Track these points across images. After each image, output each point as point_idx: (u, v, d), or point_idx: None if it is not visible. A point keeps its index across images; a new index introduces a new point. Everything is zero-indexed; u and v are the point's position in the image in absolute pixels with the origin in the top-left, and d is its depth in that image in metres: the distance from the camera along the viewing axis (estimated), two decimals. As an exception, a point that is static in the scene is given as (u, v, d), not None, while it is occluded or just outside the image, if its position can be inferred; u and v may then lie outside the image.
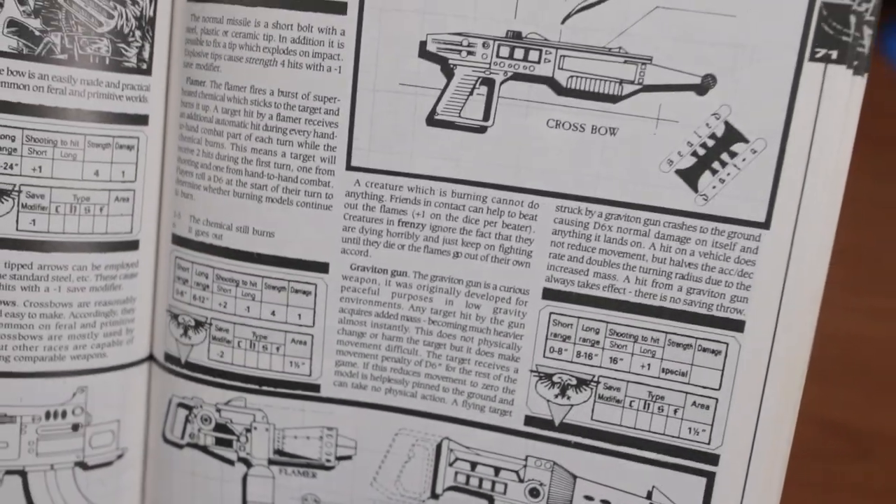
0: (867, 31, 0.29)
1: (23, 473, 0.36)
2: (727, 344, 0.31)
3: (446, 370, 0.34)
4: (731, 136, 0.30)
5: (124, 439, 0.37)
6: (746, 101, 0.30)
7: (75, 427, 0.36)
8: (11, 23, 0.32)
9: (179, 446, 0.36)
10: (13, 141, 0.32)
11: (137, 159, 0.35)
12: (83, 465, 0.37)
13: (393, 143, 0.32)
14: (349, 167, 0.33)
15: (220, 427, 0.36)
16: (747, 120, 0.30)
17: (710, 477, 0.32)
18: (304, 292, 0.34)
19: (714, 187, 0.31)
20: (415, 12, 0.31)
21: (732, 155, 0.30)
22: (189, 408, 0.36)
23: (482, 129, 0.32)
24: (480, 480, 0.34)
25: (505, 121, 0.31)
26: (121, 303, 0.36)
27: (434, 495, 0.35)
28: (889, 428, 0.52)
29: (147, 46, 0.34)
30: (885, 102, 0.56)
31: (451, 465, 0.35)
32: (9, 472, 0.36)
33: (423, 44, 0.31)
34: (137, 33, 0.33)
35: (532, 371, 0.33)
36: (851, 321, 0.55)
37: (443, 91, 0.32)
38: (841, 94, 0.29)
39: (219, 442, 0.36)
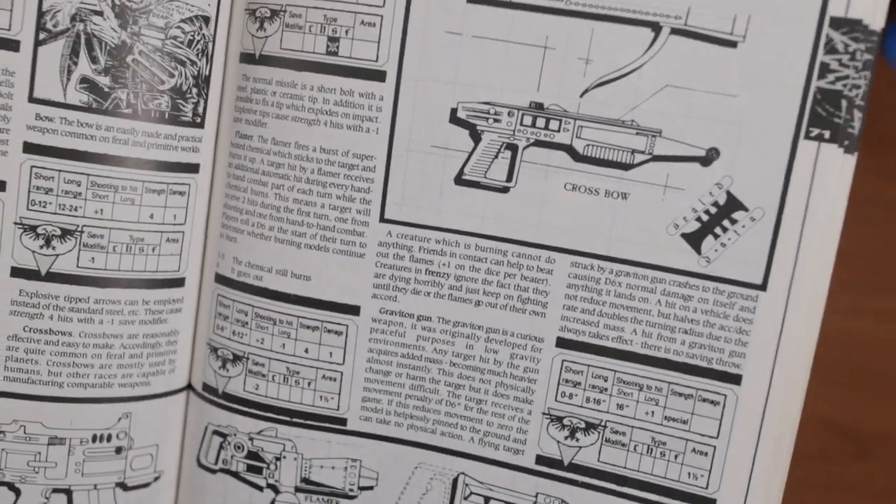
0: (857, 115, 0.32)
1: (68, 492, 0.39)
2: (725, 395, 0.34)
3: (465, 409, 0.37)
4: (733, 204, 0.33)
5: (161, 462, 0.40)
6: (747, 173, 0.33)
7: (118, 450, 0.39)
8: (84, 80, 0.35)
9: (213, 471, 0.39)
10: (79, 186, 0.36)
11: (188, 204, 0.38)
12: (123, 486, 0.39)
13: (423, 199, 0.35)
14: (382, 219, 0.36)
15: (252, 455, 0.39)
16: (747, 190, 0.33)
17: (707, 518, 0.35)
18: (336, 332, 0.37)
19: (716, 250, 0.34)
20: (447, 83, 0.34)
21: (733, 222, 0.33)
22: (224, 435, 0.39)
23: (505, 190, 0.35)
24: (493, 514, 0.37)
25: (526, 183, 0.35)
26: (165, 335, 0.39)
27: (449, 527, 0.38)
28: (890, 429, 0.52)
29: (202, 102, 0.37)
30: (887, 103, 0.56)
31: (465, 498, 0.37)
32: (56, 490, 0.39)
33: (453, 111, 0.35)
34: (194, 90, 0.37)
35: (544, 413, 0.36)
36: (854, 323, 0.55)
37: (470, 153, 0.35)
38: (833, 170, 0.32)
39: (250, 469, 0.39)
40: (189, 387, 0.40)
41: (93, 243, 0.36)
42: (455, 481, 0.37)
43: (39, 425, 0.38)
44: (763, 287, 0.33)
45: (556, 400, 0.36)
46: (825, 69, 0.32)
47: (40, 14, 0.34)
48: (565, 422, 0.36)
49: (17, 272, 0.36)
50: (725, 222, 0.33)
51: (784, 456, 0.34)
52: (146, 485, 0.40)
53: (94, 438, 0.39)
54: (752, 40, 0.32)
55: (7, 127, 0.35)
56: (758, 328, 0.33)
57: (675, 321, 0.34)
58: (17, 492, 0.39)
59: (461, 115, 0.35)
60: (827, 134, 0.32)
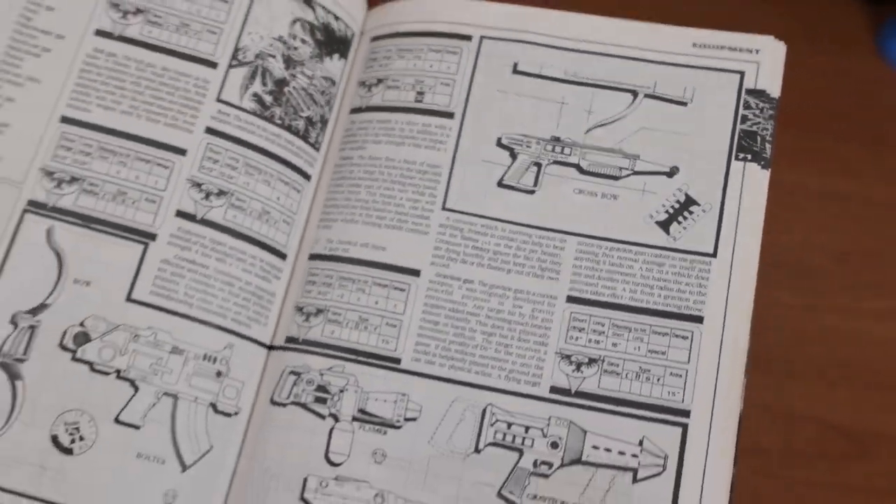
0: (768, 145, 0.47)
1: (175, 398, 0.45)
2: (692, 332, 0.45)
3: (494, 352, 0.46)
4: (690, 201, 0.47)
5: (242, 401, 0.47)
6: (699, 182, 0.47)
7: (218, 373, 0.46)
8: (254, 94, 0.49)
9: (283, 405, 0.47)
10: (235, 164, 0.49)
11: (300, 199, 0.51)
12: (214, 408, 0.46)
13: (474, 195, 0.49)
14: (443, 208, 0.49)
15: (320, 388, 0.47)
16: (699, 193, 0.47)
17: (685, 427, 0.43)
18: (401, 289, 0.48)
19: (680, 232, 0.47)
20: (496, 121, 0.50)
21: (691, 213, 0.47)
22: (297, 374, 0.47)
23: (532, 192, 0.49)
24: (514, 437, 0.45)
25: (547, 188, 0.49)
26: (267, 293, 0.49)
27: (477, 450, 0.45)
28: (890, 429, 0.51)
29: (322, 133, 0.52)
30: (886, 103, 0.56)
31: (492, 425, 0.45)
32: (166, 394, 0.45)
33: (499, 139, 0.50)
34: (318, 125, 0.52)
35: (556, 353, 0.46)
36: (853, 323, 0.53)
37: (509, 167, 0.49)
38: (754, 178, 0.47)
39: (317, 400, 0.47)
40: (271, 346, 0.49)
41: (238, 204, 0.48)
42: (484, 411, 0.46)
43: (167, 334, 0.45)
44: (714, 255, 0.46)
45: (565, 342, 0.46)
46: (745, 119, 0.48)
47: (236, 49, 0.50)
48: (573, 358, 0.46)
49: (180, 214, 0.47)
50: (685, 213, 0.47)
51: (738, 374, 0.44)
52: (228, 414, 0.47)
53: (203, 357, 0.46)
54: (697, 101, 0.49)
55: (197, 115, 0.49)
56: (712, 282, 0.45)
57: (653, 281, 0.46)
58: (136, 388, 0.45)
59: (504, 142, 0.50)
60: (749, 157, 0.47)
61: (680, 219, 0.47)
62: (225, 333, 0.46)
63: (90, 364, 0.45)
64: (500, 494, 0.44)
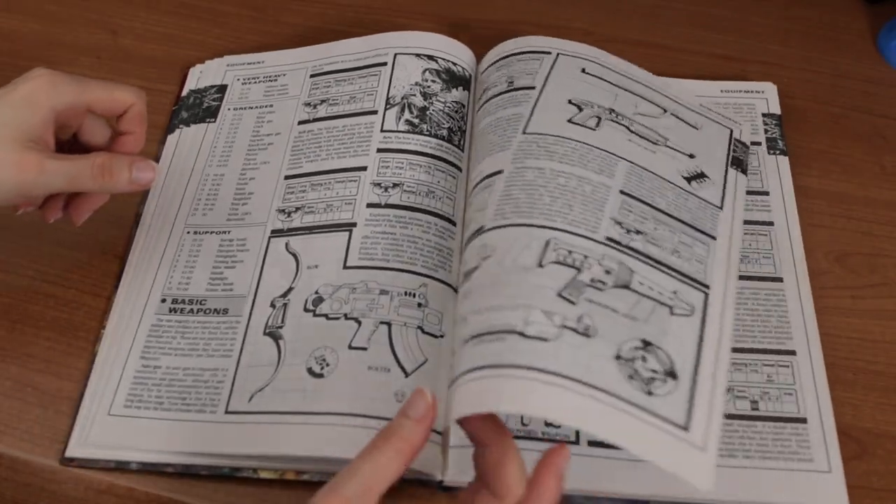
0: (752, 162, 0.65)
1: (389, 325, 0.54)
2: (709, 244, 0.56)
3: (559, 207, 0.53)
4: (703, 174, 0.61)
5: (444, 325, 0.56)
6: (711, 170, 0.62)
7: (419, 305, 0.56)
8: (406, 120, 0.64)
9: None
10: (401, 166, 0.59)
11: (457, 183, 0.63)
12: (421, 329, 0.55)
13: (549, 126, 0.61)
14: (524, 133, 0.60)
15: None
16: (708, 171, 0.62)
17: (706, 294, 0.52)
18: (489, 187, 0.57)
19: (697, 186, 0.60)
20: (569, 92, 0.64)
21: (705, 179, 0.61)
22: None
23: (594, 129, 0.60)
24: (574, 260, 0.51)
25: (605, 129, 0.60)
26: (447, 248, 0.59)
27: (540, 265, 0.50)
28: (890, 429, 0.50)
29: (464, 139, 0.65)
30: (886, 103, 0.56)
31: (554, 250, 0.51)
32: (381, 323, 0.55)
33: (570, 99, 0.64)
34: (459, 133, 0.65)
35: (611, 218, 0.54)
36: (855, 322, 0.52)
37: (576, 115, 0.62)
38: (741, 179, 0.63)
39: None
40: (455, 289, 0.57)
41: (409, 189, 0.61)
42: (547, 241, 0.52)
43: (375, 283, 0.56)
44: (721, 207, 0.60)
45: (618, 214, 0.55)
46: (735, 150, 0.66)
47: (387, 98, 0.66)
48: (623, 224, 0.53)
49: (370, 205, 0.60)
50: (701, 178, 0.61)
51: (736, 253, 0.55)
52: (435, 336, 0.55)
53: (405, 293, 0.56)
54: (703, 128, 0.66)
55: (370, 143, 0.64)
56: (721, 222, 0.59)
57: (682, 206, 0.57)
58: (359, 323, 0.55)
59: (574, 101, 0.63)
60: (739, 169, 0.64)
61: (698, 180, 0.61)
62: (417, 276, 0.57)
63: (325, 315, 0.56)
64: (559, 295, 0.49)
